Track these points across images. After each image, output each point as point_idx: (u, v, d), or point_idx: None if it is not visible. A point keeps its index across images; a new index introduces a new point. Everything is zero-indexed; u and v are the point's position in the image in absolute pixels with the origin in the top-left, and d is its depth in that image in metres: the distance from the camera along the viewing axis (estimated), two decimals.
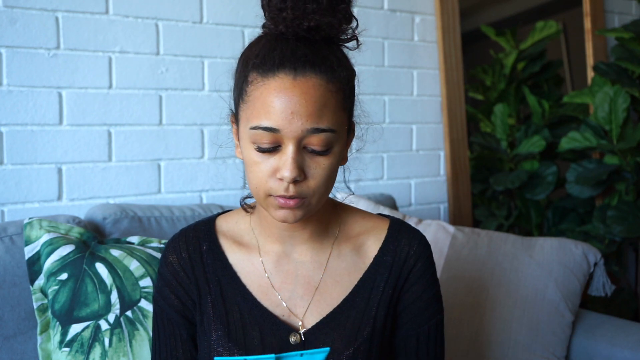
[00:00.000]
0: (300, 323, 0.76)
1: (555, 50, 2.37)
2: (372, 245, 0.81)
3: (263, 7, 0.71)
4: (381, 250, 0.80)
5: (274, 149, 0.67)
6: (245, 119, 0.69)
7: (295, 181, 0.67)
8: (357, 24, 0.73)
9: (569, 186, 1.92)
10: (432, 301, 0.81)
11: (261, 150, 0.68)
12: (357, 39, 0.74)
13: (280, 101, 0.66)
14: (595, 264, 1.40)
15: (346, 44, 0.75)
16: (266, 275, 0.78)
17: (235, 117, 0.74)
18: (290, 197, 0.68)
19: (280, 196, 0.68)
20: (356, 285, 0.78)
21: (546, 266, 1.36)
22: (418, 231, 0.84)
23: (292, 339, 0.74)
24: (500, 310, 1.32)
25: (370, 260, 0.80)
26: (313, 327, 0.76)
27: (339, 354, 0.74)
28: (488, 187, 2.18)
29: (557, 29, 2.14)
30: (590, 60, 2.17)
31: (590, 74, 2.15)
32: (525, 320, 1.30)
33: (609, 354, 1.28)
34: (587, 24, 2.17)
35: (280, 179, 0.67)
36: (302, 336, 0.75)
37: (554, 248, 1.39)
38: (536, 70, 2.20)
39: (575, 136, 1.87)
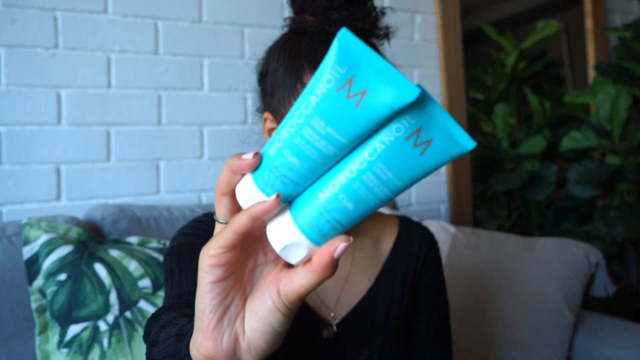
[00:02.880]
0: (332, 314, 0.77)
1: (556, 49, 2.37)
2: (387, 240, 0.84)
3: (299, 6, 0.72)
4: (396, 242, 0.84)
5: None
6: None
7: None
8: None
9: (570, 186, 1.91)
10: (443, 288, 0.85)
11: None
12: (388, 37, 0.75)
13: None
14: (597, 265, 1.39)
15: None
16: None
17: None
18: None
19: None
20: (379, 275, 0.81)
21: (547, 267, 1.35)
22: (424, 225, 0.88)
23: (325, 332, 0.75)
24: (501, 310, 1.31)
25: (387, 253, 0.83)
26: (344, 317, 0.77)
27: (370, 342, 0.76)
28: (489, 187, 2.17)
29: (558, 29, 2.13)
30: (591, 60, 2.16)
31: (591, 73, 2.15)
32: (527, 320, 1.29)
33: (611, 354, 1.27)
34: (589, 23, 2.16)
35: None
36: (335, 328, 0.75)
37: (555, 248, 1.38)
38: (537, 70, 2.19)
39: (576, 136, 1.86)
